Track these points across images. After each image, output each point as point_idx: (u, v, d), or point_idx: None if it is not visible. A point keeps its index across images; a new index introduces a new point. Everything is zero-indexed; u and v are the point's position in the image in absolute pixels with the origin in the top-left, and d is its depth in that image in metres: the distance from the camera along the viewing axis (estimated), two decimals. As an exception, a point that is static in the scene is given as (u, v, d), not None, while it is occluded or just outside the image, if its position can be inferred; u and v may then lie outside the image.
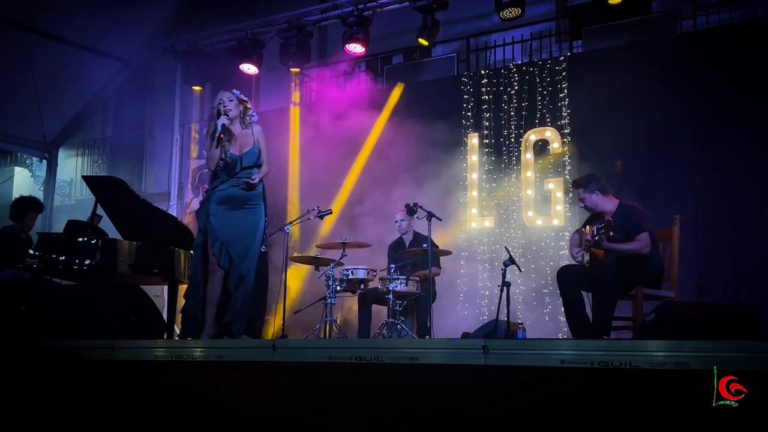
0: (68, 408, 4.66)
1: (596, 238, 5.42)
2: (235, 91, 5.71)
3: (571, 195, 8.24)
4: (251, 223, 5.52)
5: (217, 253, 5.43)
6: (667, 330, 4.33)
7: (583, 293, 5.73)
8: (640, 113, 7.98)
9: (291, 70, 10.13)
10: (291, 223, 7.54)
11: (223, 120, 5.51)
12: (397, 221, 7.89)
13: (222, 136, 5.45)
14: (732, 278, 7.33)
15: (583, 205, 5.85)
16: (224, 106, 5.55)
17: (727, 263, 7.39)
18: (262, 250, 5.78)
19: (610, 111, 8.17)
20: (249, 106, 5.71)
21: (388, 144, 9.39)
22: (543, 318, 8.14)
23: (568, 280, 5.69)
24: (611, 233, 5.36)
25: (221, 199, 5.51)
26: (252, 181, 5.47)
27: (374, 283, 7.56)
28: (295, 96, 10.46)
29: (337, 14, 9.57)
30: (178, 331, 7.50)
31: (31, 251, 6.29)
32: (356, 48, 9.41)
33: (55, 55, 10.63)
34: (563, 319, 7.59)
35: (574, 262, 5.81)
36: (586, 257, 5.68)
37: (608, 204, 5.78)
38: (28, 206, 7.60)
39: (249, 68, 10.18)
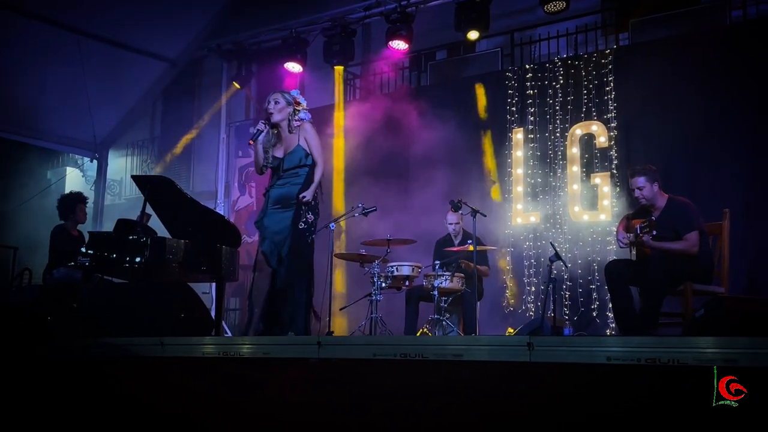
0: (118, 402, 4.75)
1: (641, 236, 5.37)
2: (293, 92, 5.73)
3: (618, 189, 8.15)
4: (299, 222, 5.54)
5: (268, 251, 5.49)
6: (717, 326, 4.27)
7: (632, 288, 5.67)
8: (688, 106, 7.83)
9: (335, 67, 10.18)
10: (335, 220, 7.57)
11: (259, 125, 5.54)
12: (452, 223, 7.83)
13: (251, 142, 5.52)
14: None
15: (640, 194, 5.71)
16: (269, 111, 5.59)
17: (780, 258, 7.23)
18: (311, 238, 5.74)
19: (658, 104, 8.05)
20: (299, 108, 5.68)
21: (432, 141, 9.37)
22: (590, 314, 8.05)
23: (615, 274, 5.64)
24: (654, 232, 5.30)
25: (273, 200, 5.58)
26: (305, 199, 5.49)
27: (420, 280, 7.56)
28: (339, 94, 10.49)
29: (381, 11, 9.59)
30: (226, 328, 7.61)
31: (83, 250, 6.43)
32: (400, 45, 9.42)
33: (104, 56, 10.80)
34: (611, 315, 7.53)
35: (622, 256, 5.75)
36: (633, 252, 5.63)
37: (661, 199, 5.71)
38: (73, 200, 7.78)
39: (293, 66, 10.25)
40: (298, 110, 5.66)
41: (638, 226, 5.41)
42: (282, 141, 5.63)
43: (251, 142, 5.56)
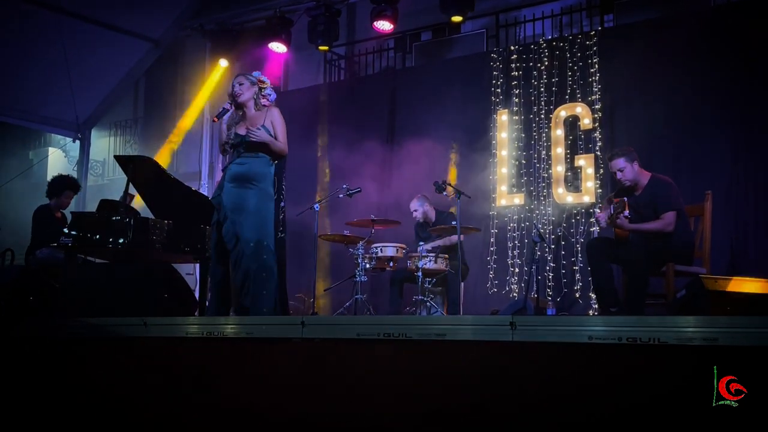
0: (101, 382, 4.74)
1: (615, 218, 5.42)
2: (255, 73, 5.70)
3: (601, 171, 8.18)
4: (257, 203, 5.42)
5: (226, 231, 5.42)
6: (699, 306, 4.31)
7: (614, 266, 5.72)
8: (673, 87, 7.86)
9: (319, 48, 10.11)
10: (319, 201, 7.57)
11: (225, 105, 5.52)
12: (413, 210, 7.87)
13: (215, 119, 5.49)
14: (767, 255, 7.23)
15: (621, 176, 5.75)
16: (234, 92, 5.55)
17: (762, 239, 7.29)
18: (280, 236, 5.72)
19: (642, 85, 8.07)
20: (264, 86, 5.65)
21: (417, 121, 9.37)
22: (573, 295, 8.11)
23: (596, 251, 5.68)
24: (626, 212, 5.37)
25: (230, 177, 5.48)
26: (256, 133, 5.36)
27: (404, 261, 7.58)
28: (324, 74, 10.45)
29: (365, -9, 9.53)
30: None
31: (66, 230, 6.40)
32: (384, 25, 9.37)
33: (87, 36, 10.69)
34: (594, 296, 7.58)
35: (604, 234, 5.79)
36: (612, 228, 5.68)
37: (643, 177, 5.74)
38: (65, 184, 7.73)
39: (277, 47, 10.18)
40: (264, 87, 5.64)
41: (611, 206, 5.47)
42: (247, 120, 5.58)
43: (215, 119, 5.54)
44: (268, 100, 5.64)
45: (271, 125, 5.49)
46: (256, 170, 5.47)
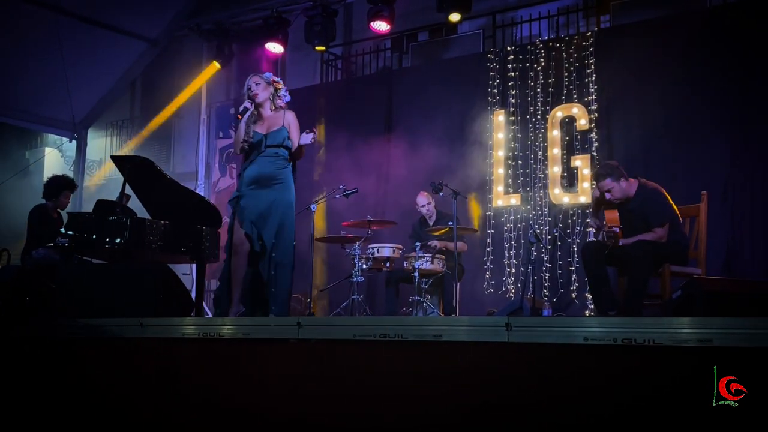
0: (97, 383, 4.74)
1: (607, 244, 5.41)
2: (267, 74, 5.73)
3: (598, 172, 8.18)
4: (280, 201, 5.50)
5: (249, 232, 5.45)
6: (694, 307, 4.31)
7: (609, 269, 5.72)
8: (669, 88, 7.87)
9: (316, 48, 10.12)
10: (316, 202, 7.58)
11: (246, 104, 5.53)
12: (423, 205, 7.88)
13: (239, 116, 5.50)
14: (764, 256, 7.24)
15: (610, 196, 5.64)
16: (252, 92, 5.56)
17: (758, 240, 7.30)
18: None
19: (639, 86, 8.08)
20: (279, 87, 5.70)
21: (414, 122, 9.37)
22: (570, 296, 8.12)
23: (592, 256, 5.67)
24: (621, 242, 5.36)
25: (251, 179, 5.51)
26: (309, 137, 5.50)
27: (401, 262, 7.58)
28: (321, 75, 10.45)
29: (362, -9, 9.54)
30: (206, 309, 7.60)
31: (63, 231, 6.39)
32: (381, 25, 9.38)
33: (83, 35, 10.69)
34: (590, 296, 7.60)
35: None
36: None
37: (631, 188, 5.71)
38: (62, 185, 7.70)
39: (274, 47, 10.19)
40: (279, 88, 5.68)
41: (604, 233, 5.42)
42: (264, 120, 5.61)
43: (239, 116, 5.55)
44: (283, 101, 5.68)
45: (288, 127, 5.55)
46: (278, 171, 5.53)
